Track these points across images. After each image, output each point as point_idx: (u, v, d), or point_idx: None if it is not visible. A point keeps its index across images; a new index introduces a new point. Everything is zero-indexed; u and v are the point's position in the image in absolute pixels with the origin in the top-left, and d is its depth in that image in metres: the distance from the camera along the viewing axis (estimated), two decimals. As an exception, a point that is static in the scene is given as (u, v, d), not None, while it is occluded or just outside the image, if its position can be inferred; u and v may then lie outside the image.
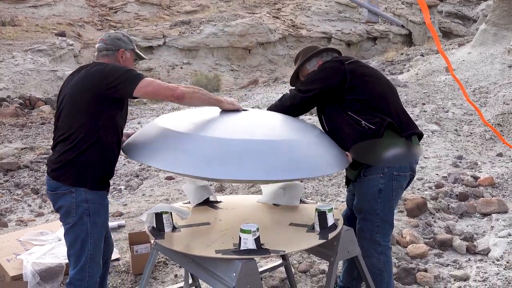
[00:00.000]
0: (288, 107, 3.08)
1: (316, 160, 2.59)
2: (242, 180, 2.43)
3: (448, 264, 4.10)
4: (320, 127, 3.16)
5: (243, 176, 2.40)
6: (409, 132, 3.04)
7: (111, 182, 2.88)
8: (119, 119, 2.84)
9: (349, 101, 3.00)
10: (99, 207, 2.79)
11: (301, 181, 2.93)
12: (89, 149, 2.70)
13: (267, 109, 3.17)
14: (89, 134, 2.69)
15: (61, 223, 4.48)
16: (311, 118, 7.82)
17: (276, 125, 2.81)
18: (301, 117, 3.38)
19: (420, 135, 3.14)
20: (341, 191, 5.49)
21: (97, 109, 2.68)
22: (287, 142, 2.57)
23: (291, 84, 3.41)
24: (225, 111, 2.78)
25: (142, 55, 3.10)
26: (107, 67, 2.71)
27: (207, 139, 2.47)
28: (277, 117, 2.94)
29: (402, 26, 28.97)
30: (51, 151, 2.86)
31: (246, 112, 2.85)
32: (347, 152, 2.92)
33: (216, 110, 2.80)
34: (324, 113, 3.14)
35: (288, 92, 3.15)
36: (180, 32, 26.48)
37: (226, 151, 2.42)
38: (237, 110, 2.81)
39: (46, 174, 2.83)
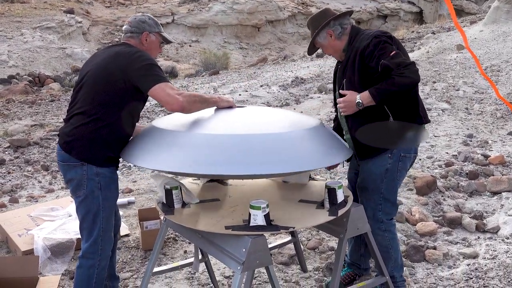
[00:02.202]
0: (416, 77, 2.74)
1: (313, 152, 2.55)
2: (235, 175, 2.40)
3: (457, 242, 4.09)
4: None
5: (237, 171, 2.36)
6: (426, 118, 3.05)
7: (120, 159, 2.88)
8: (138, 103, 2.84)
9: None
10: (110, 181, 2.79)
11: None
12: (104, 128, 2.69)
13: (383, 95, 2.78)
14: (108, 113, 2.68)
15: (71, 200, 4.59)
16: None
17: (275, 119, 2.80)
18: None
19: None
20: (350, 169, 5.47)
21: (119, 90, 2.67)
22: (285, 134, 2.53)
23: (309, 53, 3.26)
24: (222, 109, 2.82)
25: (169, 38, 3.06)
26: (137, 53, 2.70)
27: (201, 136, 2.47)
28: (276, 111, 2.94)
29: (412, 3, 28.60)
30: (64, 122, 2.84)
31: (244, 108, 2.90)
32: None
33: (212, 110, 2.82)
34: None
35: (394, 77, 2.71)
36: (188, 10, 26.31)
37: (219, 147, 2.41)
38: (231, 107, 2.85)
39: (57, 144, 2.82)
